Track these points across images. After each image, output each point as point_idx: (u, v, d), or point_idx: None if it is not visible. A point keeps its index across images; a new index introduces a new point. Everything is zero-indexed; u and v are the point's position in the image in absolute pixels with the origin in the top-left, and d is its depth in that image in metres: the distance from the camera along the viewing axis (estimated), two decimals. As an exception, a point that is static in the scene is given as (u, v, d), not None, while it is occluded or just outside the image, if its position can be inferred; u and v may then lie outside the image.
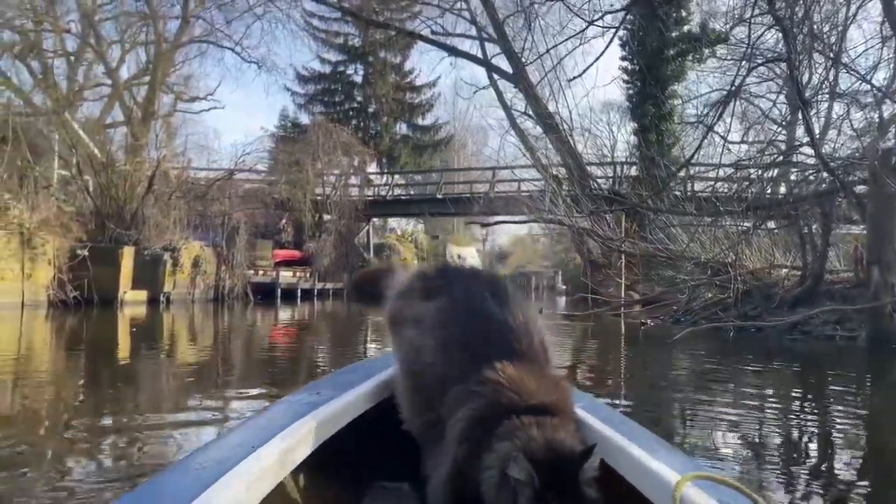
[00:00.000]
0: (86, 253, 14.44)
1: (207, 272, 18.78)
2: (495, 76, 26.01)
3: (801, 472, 3.32)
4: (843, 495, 2.90)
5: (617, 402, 5.03)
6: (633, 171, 24.52)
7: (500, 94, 26.47)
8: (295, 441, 1.33)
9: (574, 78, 17.65)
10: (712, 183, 14.30)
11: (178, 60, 28.62)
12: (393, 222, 42.51)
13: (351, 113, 40.37)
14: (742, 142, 13.40)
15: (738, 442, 3.86)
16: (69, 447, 3.39)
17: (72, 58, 26.38)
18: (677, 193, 13.76)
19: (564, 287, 41.86)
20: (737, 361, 7.89)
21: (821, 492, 2.94)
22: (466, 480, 1.32)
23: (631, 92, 26.87)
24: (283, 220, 26.51)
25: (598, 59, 21.36)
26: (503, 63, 25.06)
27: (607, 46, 18.45)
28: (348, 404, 1.63)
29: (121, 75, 27.39)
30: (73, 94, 24.33)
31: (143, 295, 16.20)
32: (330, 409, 1.55)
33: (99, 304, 14.56)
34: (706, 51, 24.98)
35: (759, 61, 9.25)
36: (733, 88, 8.67)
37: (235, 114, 68.20)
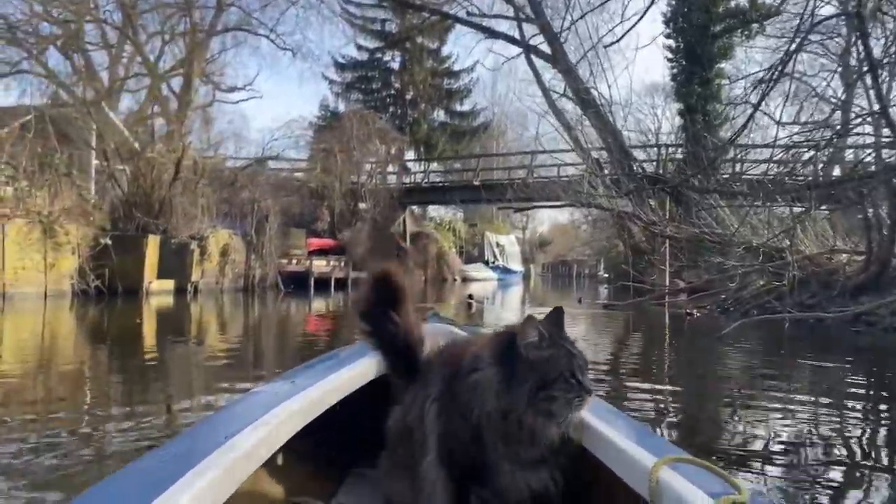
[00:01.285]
0: (108, 242, 14.15)
1: (236, 261, 18.45)
2: (533, 57, 25.23)
3: (862, 479, 2.92)
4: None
5: (660, 399, 4.64)
6: (679, 154, 23.45)
7: (537, 76, 25.75)
8: (269, 430, 1.31)
9: (612, 43, 16.67)
10: (762, 163, 13.40)
11: (216, 51, 28.61)
12: (432, 211, 42.11)
13: (388, 100, 40.11)
14: (793, 122, 12.45)
15: (791, 445, 3.42)
16: (94, 440, 3.32)
17: (113, 50, 26.59)
18: (725, 176, 12.90)
19: (606, 275, 41.05)
20: (792, 355, 7.21)
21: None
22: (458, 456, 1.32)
23: (675, 71, 25.75)
24: (321, 210, 26.21)
25: (638, 21, 20.10)
26: (541, 45, 24.30)
27: (648, 8, 17.42)
28: (323, 393, 1.61)
29: (162, 66, 27.55)
30: (113, 85, 24.42)
31: (169, 284, 15.91)
32: (305, 397, 1.52)
33: (123, 294, 14.32)
34: (755, 26, 23.72)
35: (823, 17, 8.24)
36: (790, 49, 7.79)
37: (267, 101, 68.24)
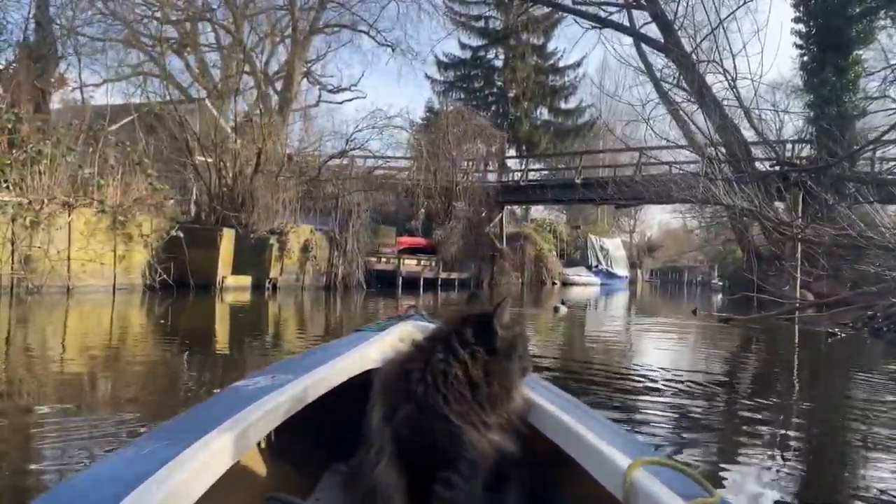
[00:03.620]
0: (181, 235, 13.71)
1: (318, 258, 17.83)
2: (644, 47, 23.58)
3: None
4: None
5: (780, 432, 3.78)
6: (808, 151, 20.95)
7: (648, 66, 24.06)
8: (249, 424, 1.30)
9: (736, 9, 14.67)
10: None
11: (321, 50, 28.80)
12: (534, 212, 40.82)
13: (490, 98, 39.50)
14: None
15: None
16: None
17: (224, 51, 27.28)
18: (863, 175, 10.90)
19: (720, 283, 38.34)
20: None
21: None
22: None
23: (805, 59, 23.18)
24: (416, 207, 25.51)
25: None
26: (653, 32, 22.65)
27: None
28: (303, 389, 1.58)
29: (272, 67, 28.13)
30: (225, 84, 24.89)
31: (246, 280, 15.32)
32: (286, 392, 1.50)
33: (195, 288, 13.84)
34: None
35: None
36: None
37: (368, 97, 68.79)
